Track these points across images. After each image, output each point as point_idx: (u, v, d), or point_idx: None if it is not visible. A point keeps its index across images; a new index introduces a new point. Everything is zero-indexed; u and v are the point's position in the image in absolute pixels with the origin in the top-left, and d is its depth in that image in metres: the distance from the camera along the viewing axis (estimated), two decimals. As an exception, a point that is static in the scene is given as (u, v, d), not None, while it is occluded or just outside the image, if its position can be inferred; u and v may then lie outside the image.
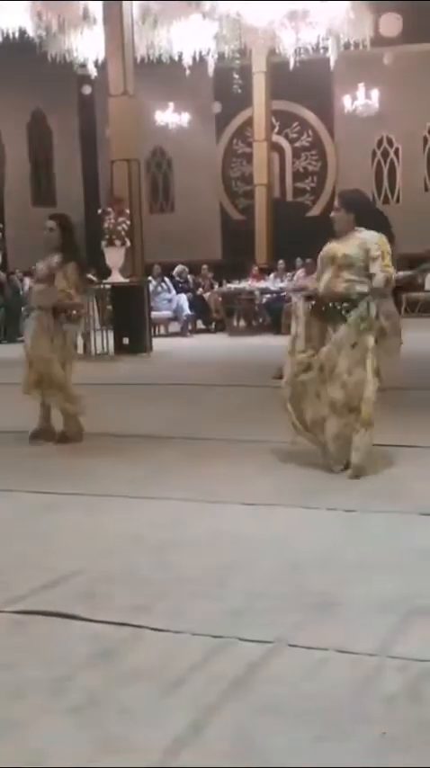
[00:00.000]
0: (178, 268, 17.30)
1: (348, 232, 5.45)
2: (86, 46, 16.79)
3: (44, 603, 3.50)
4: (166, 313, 15.60)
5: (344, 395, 5.32)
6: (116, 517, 4.73)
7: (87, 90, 19.88)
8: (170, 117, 19.99)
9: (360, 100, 19.08)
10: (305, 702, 2.71)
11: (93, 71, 17.57)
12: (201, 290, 16.61)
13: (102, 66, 16.72)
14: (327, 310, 5.41)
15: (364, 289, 5.32)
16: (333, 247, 5.47)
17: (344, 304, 5.33)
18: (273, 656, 3.02)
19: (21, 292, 15.66)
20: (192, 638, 3.17)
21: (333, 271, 5.40)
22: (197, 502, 4.94)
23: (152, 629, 3.25)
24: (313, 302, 5.49)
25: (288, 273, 16.11)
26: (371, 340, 5.31)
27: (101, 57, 16.47)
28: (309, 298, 5.53)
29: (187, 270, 17.30)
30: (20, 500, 5.13)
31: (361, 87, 18.90)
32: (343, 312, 5.33)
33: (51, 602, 3.52)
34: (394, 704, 2.69)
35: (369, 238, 5.38)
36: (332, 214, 5.59)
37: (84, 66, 17.75)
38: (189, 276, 16.92)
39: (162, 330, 15.54)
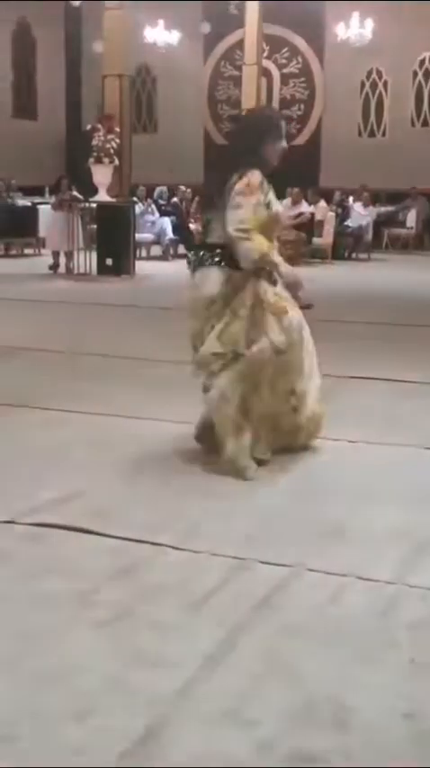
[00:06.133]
0: (158, 190, 17.04)
1: None
2: None
3: (60, 517, 3.48)
4: (149, 236, 15.40)
5: None
6: (120, 436, 4.70)
7: (76, 2, 19.21)
8: (159, 34, 19.45)
9: (353, 29, 18.68)
10: (331, 626, 2.74)
11: (83, -19, 17.02)
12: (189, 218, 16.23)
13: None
14: None
15: None
16: None
17: None
18: (294, 580, 3.04)
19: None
20: (212, 557, 3.18)
21: None
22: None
23: (171, 546, 3.26)
24: None
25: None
26: None
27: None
28: None
29: (166, 192, 17.01)
30: (19, 416, 5.09)
31: (355, 16, 18.49)
32: None
33: (67, 516, 3.50)
34: (418, 632, 2.73)
35: None
36: None
37: (74, -25, 17.19)
38: (175, 199, 16.61)
39: (144, 253, 15.37)
